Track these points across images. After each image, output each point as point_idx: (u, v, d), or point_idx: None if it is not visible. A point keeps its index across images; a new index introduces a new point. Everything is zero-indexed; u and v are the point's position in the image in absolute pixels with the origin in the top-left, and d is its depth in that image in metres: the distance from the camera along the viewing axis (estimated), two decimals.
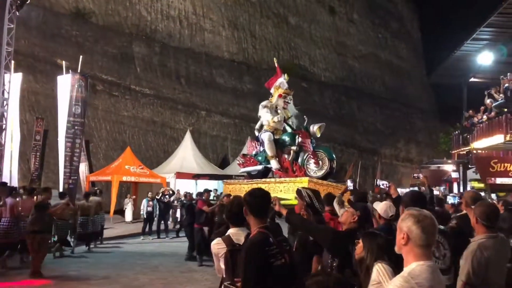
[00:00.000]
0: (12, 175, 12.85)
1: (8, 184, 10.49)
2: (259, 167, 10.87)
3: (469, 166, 18.93)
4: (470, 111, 19.70)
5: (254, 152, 11.27)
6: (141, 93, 29.81)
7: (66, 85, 14.39)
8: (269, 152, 10.43)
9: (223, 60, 35.25)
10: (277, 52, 37.40)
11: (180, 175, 22.05)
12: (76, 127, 14.17)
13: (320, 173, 9.93)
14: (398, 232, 2.09)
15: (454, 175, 19.02)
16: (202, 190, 12.30)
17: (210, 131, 32.20)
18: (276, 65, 11.90)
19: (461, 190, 17.61)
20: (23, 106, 24.14)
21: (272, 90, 11.10)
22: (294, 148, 10.35)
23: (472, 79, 23.03)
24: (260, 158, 10.97)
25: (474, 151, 18.31)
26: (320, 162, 10.01)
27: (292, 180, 9.73)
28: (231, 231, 3.24)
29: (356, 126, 40.93)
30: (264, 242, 2.70)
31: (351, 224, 3.66)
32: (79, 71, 14.91)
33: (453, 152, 20.42)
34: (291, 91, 11.11)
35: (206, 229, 10.71)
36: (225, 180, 12.56)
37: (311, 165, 10.15)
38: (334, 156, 10.25)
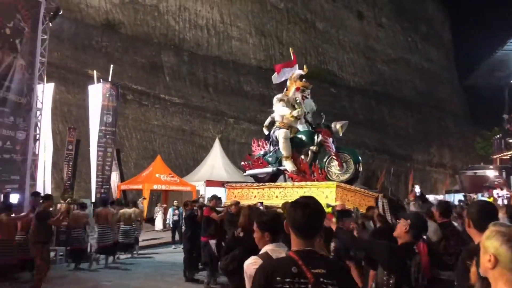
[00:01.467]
0: (45, 185, 12.96)
1: (41, 194, 10.50)
2: (269, 169, 9.65)
3: None
4: None
5: (262, 152, 10.06)
6: (170, 102, 30.00)
7: (97, 95, 14.52)
8: (285, 152, 9.18)
9: (251, 67, 35.20)
10: (304, 58, 37.12)
11: (210, 183, 21.94)
12: (107, 136, 14.25)
13: (345, 177, 8.74)
14: (483, 252, 1.76)
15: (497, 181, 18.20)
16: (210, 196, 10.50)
17: (239, 138, 32.10)
18: (291, 53, 10.79)
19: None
20: (55, 117, 24.60)
21: (287, 82, 9.95)
22: (313, 148, 9.23)
23: None
24: (270, 159, 9.75)
25: None
26: (344, 164, 8.84)
27: (315, 185, 8.55)
28: (268, 248, 2.67)
29: (387, 131, 40.13)
30: (280, 269, 2.01)
31: (406, 236, 3.25)
32: (109, 80, 15.00)
33: (495, 157, 19.65)
34: (309, 84, 9.85)
35: (213, 242, 8.80)
36: (228, 184, 10.93)
37: (334, 168, 8.97)
38: (360, 158, 9.10)
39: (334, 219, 7.35)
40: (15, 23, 10.31)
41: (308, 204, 2.13)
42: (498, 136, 19.96)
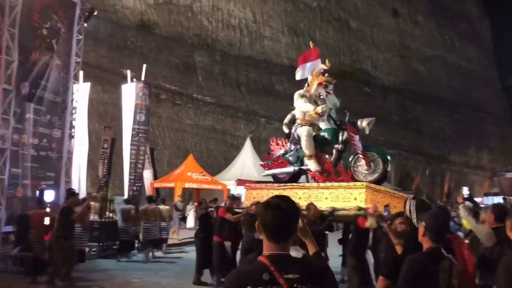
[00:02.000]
0: (80, 182, 13.27)
1: (77, 191, 10.74)
2: (290, 169, 9.15)
3: None
4: None
5: (282, 151, 9.59)
6: (202, 102, 30.28)
7: (130, 94, 14.76)
8: (308, 151, 8.62)
9: (283, 66, 35.08)
10: (338, 57, 36.73)
11: (240, 182, 21.98)
12: (140, 135, 14.46)
13: (372, 177, 8.27)
14: None
15: None
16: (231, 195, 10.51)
17: (270, 138, 32.09)
18: (311, 46, 10.19)
19: None
20: (91, 116, 25.12)
21: (309, 78, 9.37)
22: (338, 146, 8.68)
23: None
24: (291, 158, 9.23)
25: None
26: (372, 164, 8.33)
27: (343, 186, 8.09)
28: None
29: (422, 132, 39.19)
30: (251, 277, 1.88)
31: (424, 240, 2.89)
32: (142, 79, 15.23)
33: None
34: (333, 79, 9.30)
35: (228, 244, 8.47)
36: (247, 184, 10.34)
37: (361, 168, 8.48)
38: (389, 157, 8.58)
39: (369, 222, 6.81)
40: (51, 23, 10.58)
41: (279, 205, 1.96)
42: None
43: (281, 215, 1.93)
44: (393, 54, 41.38)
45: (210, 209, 9.70)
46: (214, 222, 8.91)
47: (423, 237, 2.88)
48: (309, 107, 8.70)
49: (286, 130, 9.72)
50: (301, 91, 9.17)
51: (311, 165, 8.62)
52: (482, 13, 51.75)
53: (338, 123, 8.77)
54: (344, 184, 8.07)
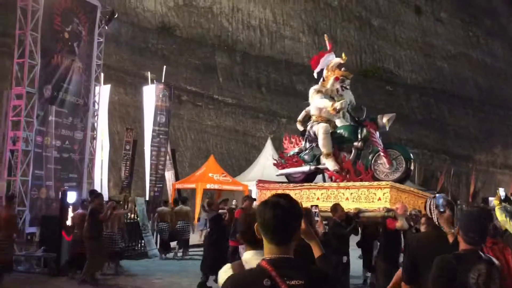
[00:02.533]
0: (102, 183, 13.42)
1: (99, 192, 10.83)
2: (305, 168, 8.71)
3: None
4: None
5: (296, 150, 9.15)
6: (223, 103, 30.34)
7: (151, 95, 14.89)
8: (325, 149, 8.16)
9: (303, 66, 34.84)
10: (359, 56, 36.35)
11: (261, 182, 21.91)
12: (161, 136, 14.57)
13: (394, 176, 7.88)
14: None
15: None
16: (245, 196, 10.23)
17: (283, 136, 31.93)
18: (326, 40, 9.76)
19: None
20: (114, 117, 25.56)
21: (324, 72, 8.88)
22: (357, 144, 8.24)
23: None
24: (306, 157, 8.79)
25: None
26: (394, 162, 7.93)
27: (365, 185, 7.70)
28: (245, 256, 2.36)
29: (447, 131, 38.41)
30: (250, 283, 1.73)
31: (460, 242, 2.68)
32: (163, 81, 15.33)
33: None
34: (349, 73, 8.95)
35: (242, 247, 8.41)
36: (260, 184, 9.63)
37: (382, 166, 8.06)
38: (411, 155, 8.22)
39: (399, 223, 6.45)
40: (73, 27, 10.73)
41: (278, 204, 1.79)
42: None
43: (282, 215, 1.77)
44: (416, 52, 40.68)
45: (221, 210, 9.35)
46: (227, 225, 8.57)
47: (459, 238, 2.71)
48: (326, 103, 8.26)
49: (300, 127, 9.42)
50: (316, 87, 8.78)
51: (329, 164, 8.22)
52: (509, 9, 50.41)
53: (356, 119, 8.40)
54: (366, 183, 7.74)
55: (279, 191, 8.47)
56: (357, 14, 38.27)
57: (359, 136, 8.23)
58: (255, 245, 2.26)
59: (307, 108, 9.18)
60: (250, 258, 2.28)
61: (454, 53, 42.95)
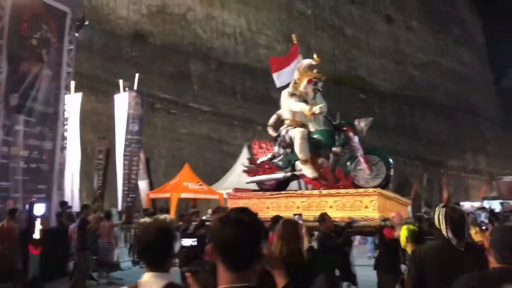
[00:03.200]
0: (73, 194, 13.06)
1: (69, 204, 10.55)
2: (280, 175, 8.27)
3: None
4: None
5: (269, 156, 8.68)
6: (198, 110, 30.13)
7: (123, 104, 14.62)
8: (303, 155, 7.76)
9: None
10: (333, 64, 36.69)
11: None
12: (133, 145, 14.31)
13: (376, 182, 7.56)
14: None
15: None
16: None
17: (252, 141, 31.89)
18: (294, 41, 9.38)
19: None
20: (86, 126, 25.02)
21: (295, 74, 8.46)
22: (336, 149, 7.92)
23: None
24: (280, 163, 8.37)
25: None
26: (374, 168, 7.64)
27: (351, 193, 7.34)
28: (144, 277, 1.98)
29: (419, 137, 39.11)
30: None
31: (491, 259, 2.38)
32: (135, 88, 15.09)
33: None
34: (322, 75, 8.53)
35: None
36: (231, 193, 9.42)
37: (362, 172, 7.72)
38: (391, 161, 7.89)
39: (397, 232, 5.84)
40: (41, 33, 10.45)
41: (241, 220, 1.50)
42: None
43: (243, 234, 1.48)
44: (388, 60, 41.40)
45: (193, 222, 8.55)
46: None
47: (489, 256, 2.43)
48: (303, 107, 7.89)
49: (272, 132, 8.96)
50: (290, 89, 8.44)
51: (306, 170, 7.85)
52: (475, 18, 51.95)
53: (335, 124, 8.02)
54: (352, 191, 7.42)
55: (253, 200, 8.37)
56: (331, 23, 38.74)
57: (337, 141, 7.94)
58: (157, 266, 1.94)
59: (279, 112, 8.94)
60: (149, 281, 1.92)
61: (425, 61, 43.88)
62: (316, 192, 7.84)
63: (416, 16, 44.69)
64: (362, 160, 7.69)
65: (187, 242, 7.12)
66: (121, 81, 16.03)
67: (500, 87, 37.32)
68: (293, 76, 8.82)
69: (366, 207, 7.20)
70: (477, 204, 27.25)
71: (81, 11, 12.76)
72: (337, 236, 6.49)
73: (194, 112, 29.87)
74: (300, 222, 6.14)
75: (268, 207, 8.14)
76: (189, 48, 31.82)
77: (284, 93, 8.53)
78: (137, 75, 15.37)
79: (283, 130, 8.43)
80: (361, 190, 7.46)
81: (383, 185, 7.70)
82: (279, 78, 9.62)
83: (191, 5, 32.57)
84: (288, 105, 8.35)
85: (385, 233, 6.44)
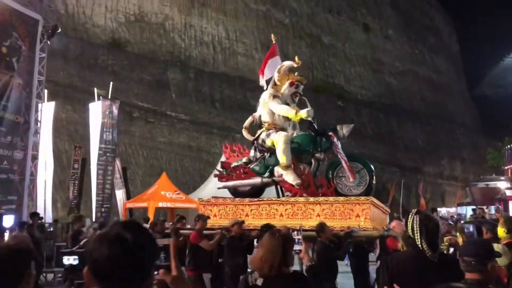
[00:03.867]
0: (46, 204, 12.79)
1: (41, 215, 10.33)
2: (257, 181, 7.78)
3: None
4: None
5: (244, 160, 8.19)
6: (176, 119, 29.95)
7: (97, 112, 14.42)
8: (285, 160, 7.28)
9: (257, 82, 35.07)
10: (311, 72, 36.99)
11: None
12: (108, 154, 14.12)
13: (358, 190, 7.26)
14: None
15: (509, 192, 17.49)
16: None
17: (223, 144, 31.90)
18: (273, 41, 8.93)
19: None
20: (61, 135, 24.68)
21: (275, 76, 8.03)
22: (319, 155, 7.56)
23: None
24: (257, 168, 7.93)
25: None
26: (357, 175, 7.32)
27: (340, 201, 6.91)
28: None
29: (396, 144, 39.64)
30: None
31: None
32: (109, 97, 14.92)
33: (506, 168, 19.07)
34: (304, 78, 8.19)
35: (207, 276, 6.97)
36: (204, 200, 8.52)
37: (345, 180, 7.35)
38: (373, 168, 7.57)
39: (400, 243, 5.44)
40: (11, 41, 10.26)
41: (121, 238, 1.23)
42: (509, 146, 19.42)
43: (122, 255, 1.20)
44: (365, 68, 41.96)
45: (166, 231, 8.19)
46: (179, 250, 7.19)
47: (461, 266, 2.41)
48: (289, 110, 7.48)
49: (248, 135, 8.46)
50: (271, 91, 7.95)
51: (288, 176, 7.35)
52: (450, 27, 53.16)
53: (319, 129, 7.61)
54: (343, 198, 6.99)
55: (230, 207, 7.69)
56: (308, 31, 39.11)
57: (320, 147, 7.58)
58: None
59: (255, 114, 8.44)
60: None
61: (402, 69, 44.64)
62: (302, 199, 7.23)
63: (392, 25, 45.49)
64: (346, 167, 7.30)
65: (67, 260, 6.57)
66: (95, 90, 15.83)
67: (474, 94, 38.16)
68: (271, 73, 8.41)
69: (358, 216, 6.78)
70: (452, 210, 27.67)
71: (55, 19, 12.56)
72: (336, 247, 6.17)
73: (173, 121, 29.69)
74: (299, 237, 5.83)
75: (247, 215, 7.48)
76: (167, 57, 31.70)
77: (265, 94, 8.02)
78: (111, 83, 15.21)
79: (263, 134, 7.89)
80: (353, 198, 7.04)
81: (366, 193, 7.28)
82: (262, 78, 8.87)
83: (169, 13, 32.51)
84: (271, 107, 7.81)
85: (388, 244, 6.05)
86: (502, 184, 18.84)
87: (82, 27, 28.63)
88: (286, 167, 7.39)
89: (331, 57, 39.85)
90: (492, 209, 18.63)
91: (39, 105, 11.68)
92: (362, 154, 32.52)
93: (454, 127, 45.31)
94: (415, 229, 2.87)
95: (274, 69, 8.29)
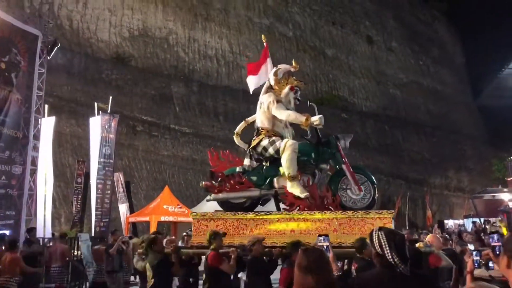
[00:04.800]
0: (45, 219, 12.75)
1: (38, 229, 10.28)
2: (255, 193, 7.09)
3: None
4: None
5: (239, 169, 7.39)
6: (180, 132, 30.01)
7: (97, 126, 14.45)
8: (292, 171, 6.72)
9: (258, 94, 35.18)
10: (315, 85, 37.05)
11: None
12: (106, 168, 14.10)
13: (363, 204, 6.84)
14: None
15: None
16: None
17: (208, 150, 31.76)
18: (264, 42, 8.21)
19: None
20: (66, 150, 24.79)
21: (271, 79, 7.52)
22: (325, 166, 7.12)
23: None
24: (255, 178, 7.21)
25: None
26: (362, 187, 6.87)
27: (361, 215, 6.44)
28: None
29: (401, 156, 39.40)
30: None
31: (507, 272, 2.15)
32: (109, 111, 14.97)
33: (509, 179, 18.81)
34: (303, 84, 7.68)
35: None
36: (199, 213, 7.35)
37: (350, 192, 6.90)
38: (375, 180, 7.10)
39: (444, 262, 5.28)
40: (10, 57, 10.33)
41: None
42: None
43: None
44: (369, 80, 41.94)
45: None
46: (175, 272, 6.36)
47: (508, 270, 2.18)
48: (299, 117, 6.83)
49: (239, 141, 7.93)
50: (273, 96, 7.27)
51: (295, 188, 6.71)
52: (454, 38, 53.13)
53: (319, 137, 7.08)
54: (362, 213, 6.51)
55: (231, 222, 6.73)
56: (312, 44, 39.23)
57: (324, 157, 7.05)
58: None
59: (249, 119, 7.94)
60: None
61: (406, 81, 44.57)
62: (317, 214, 6.63)
63: (396, 37, 45.56)
64: (352, 179, 6.85)
65: None
66: (95, 104, 15.90)
67: (479, 104, 37.87)
68: (263, 79, 7.85)
69: None
70: (460, 222, 27.33)
71: (55, 34, 12.68)
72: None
73: (176, 134, 29.75)
74: (327, 244, 5.46)
75: (252, 231, 6.69)
76: (171, 71, 31.88)
77: (267, 98, 7.30)
78: (110, 97, 15.29)
79: (263, 141, 7.13)
80: (373, 212, 6.56)
81: (369, 207, 6.85)
82: (251, 83, 8.31)
83: (173, 28, 32.77)
84: (276, 112, 7.11)
85: (430, 261, 5.66)
86: (505, 196, 18.55)
87: (86, 42, 28.91)
88: (293, 178, 6.75)
89: (335, 70, 39.89)
90: (497, 222, 18.39)
91: (39, 120, 11.69)
92: (366, 166, 32.37)
93: (460, 138, 44.99)
94: (383, 244, 2.76)
95: (265, 73, 7.83)
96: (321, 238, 5.05)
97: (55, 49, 11.75)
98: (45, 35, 11.56)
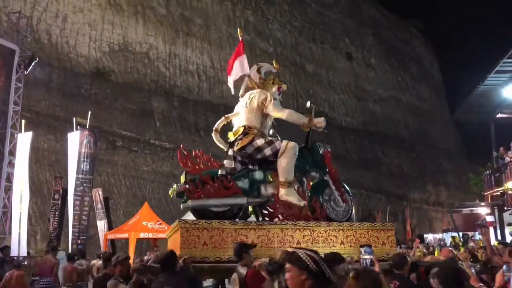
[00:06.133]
0: (20, 237, 12.40)
1: (13, 247, 9.99)
2: (241, 200, 6.26)
3: (505, 208, 17.54)
4: (501, 148, 18.53)
5: (221, 171, 6.45)
6: (160, 147, 29.75)
7: (76, 142, 14.25)
8: (289, 176, 6.12)
9: None
10: (296, 100, 37.29)
11: None
12: (84, 185, 13.89)
13: (345, 216, 6.51)
14: None
15: (489, 218, 17.48)
16: None
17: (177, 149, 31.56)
18: (240, 37, 7.61)
19: (499, 235, 16.24)
20: (43, 166, 24.29)
21: (254, 76, 7.07)
22: (315, 173, 6.61)
23: (499, 115, 21.65)
24: (241, 183, 6.34)
25: (510, 192, 16.99)
26: (347, 199, 6.57)
27: (365, 227, 6.24)
28: None
29: (381, 171, 39.79)
30: None
31: None
32: (87, 126, 14.78)
33: (486, 193, 19.09)
34: (287, 86, 7.23)
35: None
36: (185, 220, 6.14)
37: (334, 203, 6.47)
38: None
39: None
40: None
41: None
42: (488, 172, 19.51)
43: None
44: (349, 95, 42.47)
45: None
46: None
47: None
48: (301, 117, 6.38)
49: (218, 140, 7.23)
50: (266, 92, 6.73)
51: (292, 196, 6.15)
52: (431, 55, 54.33)
53: (308, 143, 6.59)
54: (367, 224, 6.30)
55: (227, 232, 5.87)
56: (292, 60, 39.62)
57: (313, 164, 6.58)
58: None
59: (230, 115, 7.38)
60: None
61: (385, 97, 45.26)
62: (323, 224, 6.19)
63: (374, 54, 46.37)
64: (337, 190, 6.51)
65: None
66: (74, 119, 15.70)
67: (455, 120, 38.56)
68: (241, 72, 7.30)
69: (384, 244, 6.18)
70: (439, 236, 27.57)
71: (34, 48, 12.52)
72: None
73: (156, 149, 29.49)
74: (371, 257, 4.87)
75: (253, 243, 5.83)
76: (151, 86, 31.73)
77: (259, 95, 6.69)
78: (89, 112, 15.09)
79: (258, 140, 6.42)
80: (378, 224, 6.49)
81: (348, 220, 6.56)
82: (231, 83, 7.72)
83: (154, 43, 32.72)
84: (271, 111, 6.52)
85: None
86: (483, 210, 18.87)
87: (65, 56, 28.61)
88: (290, 184, 6.17)
89: (315, 85, 40.29)
90: (477, 235, 18.58)
91: (15, 135, 11.47)
92: (347, 181, 32.54)
93: (438, 153, 45.74)
94: (324, 267, 2.42)
95: (241, 68, 7.26)
96: (363, 249, 4.70)
97: (33, 63, 11.59)
98: (23, 50, 11.41)
